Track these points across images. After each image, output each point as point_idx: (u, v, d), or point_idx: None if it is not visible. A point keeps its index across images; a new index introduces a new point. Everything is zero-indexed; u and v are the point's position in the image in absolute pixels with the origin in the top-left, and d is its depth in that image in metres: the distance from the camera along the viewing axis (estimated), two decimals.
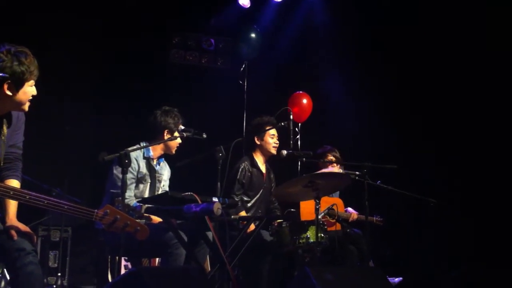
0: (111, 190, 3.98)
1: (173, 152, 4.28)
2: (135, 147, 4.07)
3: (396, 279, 5.52)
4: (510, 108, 6.20)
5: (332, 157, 5.57)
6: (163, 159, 4.36)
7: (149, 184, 4.20)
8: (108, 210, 2.63)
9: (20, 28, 5.58)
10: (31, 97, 2.72)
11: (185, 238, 3.71)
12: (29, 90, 2.68)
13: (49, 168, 5.85)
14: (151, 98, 6.65)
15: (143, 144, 4.17)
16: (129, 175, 3.94)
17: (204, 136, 3.96)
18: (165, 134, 4.19)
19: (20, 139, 2.89)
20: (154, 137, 4.18)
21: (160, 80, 6.93)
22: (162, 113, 4.23)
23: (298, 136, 6.45)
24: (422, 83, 6.77)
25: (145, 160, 4.17)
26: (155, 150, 4.23)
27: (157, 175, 4.23)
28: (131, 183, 4.05)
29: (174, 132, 4.20)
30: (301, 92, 6.62)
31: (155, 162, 4.24)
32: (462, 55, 6.42)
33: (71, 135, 5.73)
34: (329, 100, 7.28)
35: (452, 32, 6.49)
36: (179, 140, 4.21)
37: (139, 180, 4.13)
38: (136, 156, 4.10)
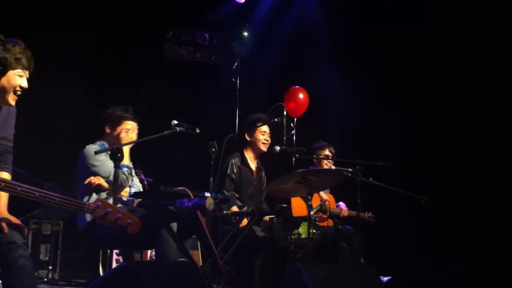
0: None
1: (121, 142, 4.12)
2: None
3: (385, 278, 5.51)
4: (509, 107, 6.22)
5: (322, 154, 5.56)
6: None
7: None
8: (99, 203, 2.63)
9: (16, 26, 5.53)
10: (19, 89, 2.68)
11: (175, 229, 3.69)
12: (14, 79, 2.63)
13: (41, 162, 5.82)
14: (143, 92, 6.64)
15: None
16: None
17: (197, 130, 3.94)
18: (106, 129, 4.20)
19: (11, 132, 2.87)
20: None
21: (153, 74, 6.90)
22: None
23: (293, 132, 6.43)
24: (419, 80, 6.75)
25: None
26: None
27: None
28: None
29: (116, 126, 4.15)
30: (297, 86, 6.57)
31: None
32: (461, 54, 6.39)
33: (63, 128, 5.69)
34: (325, 96, 7.26)
35: (452, 31, 6.47)
36: None
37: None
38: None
